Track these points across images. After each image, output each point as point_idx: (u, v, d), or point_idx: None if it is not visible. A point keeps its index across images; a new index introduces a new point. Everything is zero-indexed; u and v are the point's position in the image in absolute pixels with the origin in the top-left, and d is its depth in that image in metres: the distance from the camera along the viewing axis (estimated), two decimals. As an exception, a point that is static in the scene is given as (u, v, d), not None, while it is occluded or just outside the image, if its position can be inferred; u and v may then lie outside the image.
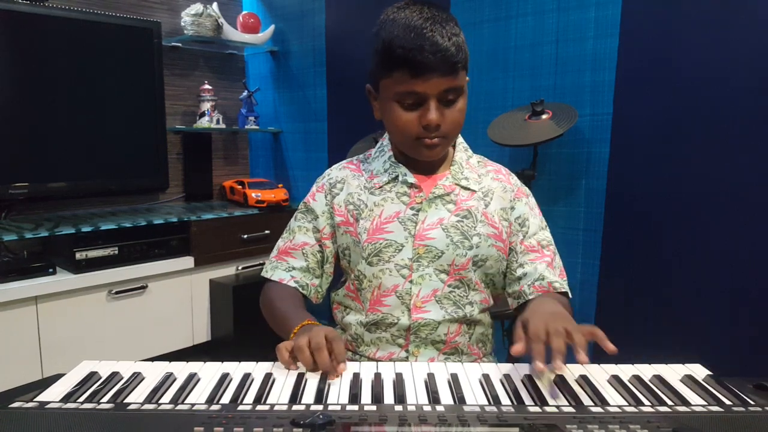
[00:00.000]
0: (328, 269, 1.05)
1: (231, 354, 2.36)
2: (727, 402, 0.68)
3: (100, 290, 2.12)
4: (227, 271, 2.54)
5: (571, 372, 0.76)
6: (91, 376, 0.74)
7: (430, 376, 0.75)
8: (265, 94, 2.92)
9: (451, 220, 0.97)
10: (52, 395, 0.69)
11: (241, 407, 0.64)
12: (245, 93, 2.82)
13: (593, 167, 1.88)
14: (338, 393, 0.71)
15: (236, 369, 0.77)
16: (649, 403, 0.68)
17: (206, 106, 2.69)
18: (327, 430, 0.58)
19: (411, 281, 0.96)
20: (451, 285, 0.97)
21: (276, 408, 0.64)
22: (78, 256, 2.06)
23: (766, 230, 1.57)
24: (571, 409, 0.65)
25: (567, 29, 1.89)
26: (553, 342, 0.70)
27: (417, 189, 0.99)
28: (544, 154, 1.95)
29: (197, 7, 2.59)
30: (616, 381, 0.74)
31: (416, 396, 0.70)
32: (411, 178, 0.99)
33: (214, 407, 0.64)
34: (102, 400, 0.67)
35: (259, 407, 0.64)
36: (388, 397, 0.69)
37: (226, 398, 0.68)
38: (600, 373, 0.77)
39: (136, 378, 0.74)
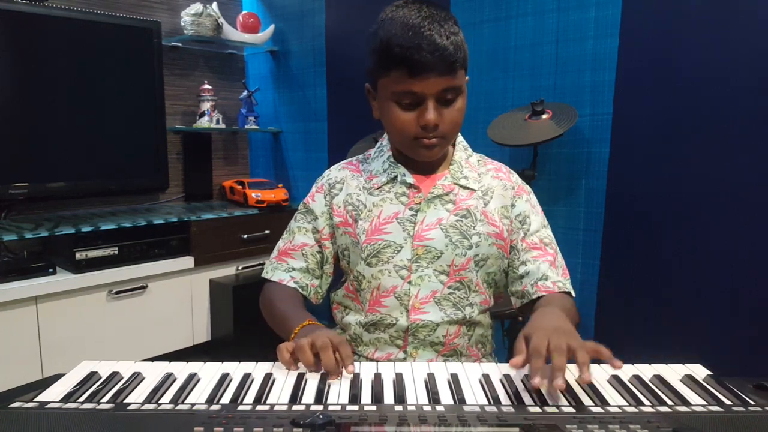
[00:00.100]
0: (327, 270, 1.05)
1: (231, 354, 2.36)
2: (727, 402, 0.68)
3: (100, 290, 2.12)
4: (227, 271, 2.54)
5: (571, 372, 0.76)
6: (91, 376, 0.74)
7: (430, 376, 0.75)
8: (265, 94, 2.91)
9: (450, 219, 0.97)
10: (52, 395, 0.69)
11: (241, 407, 0.64)
12: (245, 93, 2.82)
13: (593, 167, 1.88)
14: (338, 393, 0.71)
15: (236, 369, 0.77)
16: (649, 403, 0.68)
17: (206, 106, 2.68)
18: (327, 430, 0.58)
19: (410, 282, 0.96)
20: (451, 286, 0.96)
21: (276, 408, 0.64)
22: (78, 256, 2.06)
23: (766, 230, 1.57)
24: (571, 409, 0.65)
25: (567, 29, 1.89)
26: (555, 359, 0.67)
27: (416, 189, 0.99)
28: (544, 154, 1.95)
29: (197, 7, 2.59)
30: (616, 381, 0.74)
31: (416, 396, 0.70)
32: (410, 179, 0.99)
33: (214, 407, 0.64)
34: (102, 400, 0.67)
35: (259, 407, 0.64)
36: (388, 397, 0.69)
37: (226, 398, 0.68)
38: (600, 373, 0.77)
39: (136, 378, 0.74)
